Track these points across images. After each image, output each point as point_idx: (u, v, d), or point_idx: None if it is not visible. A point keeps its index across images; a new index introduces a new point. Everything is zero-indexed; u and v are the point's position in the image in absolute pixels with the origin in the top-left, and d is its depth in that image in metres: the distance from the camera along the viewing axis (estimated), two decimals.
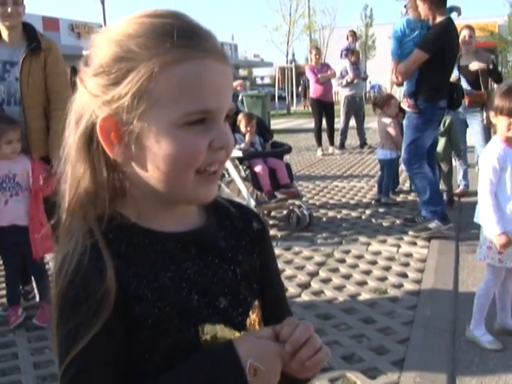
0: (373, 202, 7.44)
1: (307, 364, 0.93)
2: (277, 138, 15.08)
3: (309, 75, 12.20)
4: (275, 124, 19.57)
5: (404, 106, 5.90)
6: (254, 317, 1.06)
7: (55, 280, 0.94)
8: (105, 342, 0.90)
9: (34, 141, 3.93)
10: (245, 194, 5.95)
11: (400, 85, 6.06)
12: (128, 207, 0.99)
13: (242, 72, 56.37)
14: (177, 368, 0.92)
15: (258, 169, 5.99)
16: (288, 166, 6.32)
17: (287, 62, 33.45)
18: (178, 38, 0.90)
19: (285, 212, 6.49)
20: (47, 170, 3.92)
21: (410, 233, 5.81)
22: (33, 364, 3.44)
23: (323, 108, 12.06)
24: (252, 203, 5.79)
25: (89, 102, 0.95)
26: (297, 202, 6.26)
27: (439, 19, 5.53)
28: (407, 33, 5.98)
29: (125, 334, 0.93)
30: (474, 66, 7.33)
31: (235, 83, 6.63)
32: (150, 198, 0.98)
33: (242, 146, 6.15)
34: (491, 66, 7.38)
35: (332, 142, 12.48)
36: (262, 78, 64.65)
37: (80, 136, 0.96)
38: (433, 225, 5.70)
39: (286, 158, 11.59)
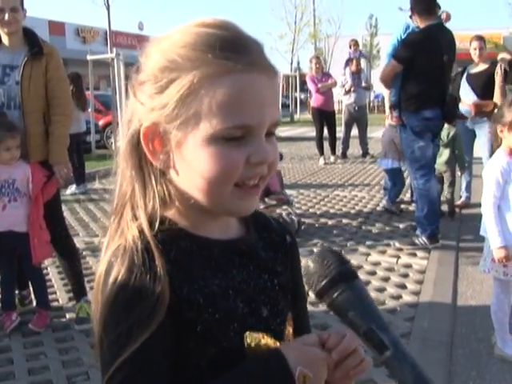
0: (381, 206, 7.45)
1: (351, 373, 0.95)
2: (280, 145, 15.12)
3: (309, 85, 12.16)
4: (278, 132, 19.43)
5: (388, 117, 5.91)
6: (289, 328, 1.08)
7: (103, 281, 0.93)
8: (157, 346, 0.89)
9: (33, 146, 3.92)
10: None
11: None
12: (175, 213, 0.99)
13: None
14: (226, 374, 0.92)
15: None
16: (279, 174, 6.38)
17: (291, 70, 33.47)
18: (221, 50, 0.89)
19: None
20: (46, 176, 3.92)
21: (396, 244, 5.80)
22: (27, 370, 3.43)
23: (324, 117, 12.05)
24: None
25: (136, 109, 0.97)
26: (286, 209, 6.33)
27: (423, 25, 5.46)
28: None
29: (174, 339, 0.92)
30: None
31: None
32: (194, 205, 0.97)
33: None
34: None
35: (334, 151, 12.46)
36: None
37: (128, 141, 0.98)
38: (419, 240, 5.69)
39: (288, 166, 11.69)
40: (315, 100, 12.09)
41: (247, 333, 0.97)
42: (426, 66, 5.39)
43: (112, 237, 1.00)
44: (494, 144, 7.12)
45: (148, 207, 0.97)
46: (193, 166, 0.92)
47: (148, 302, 0.88)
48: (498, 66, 7.05)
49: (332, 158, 12.39)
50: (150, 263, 0.91)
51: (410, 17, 6.16)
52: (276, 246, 1.11)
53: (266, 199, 6.07)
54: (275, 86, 0.95)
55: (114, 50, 11.91)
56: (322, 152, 12.18)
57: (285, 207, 6.36)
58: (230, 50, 0.89)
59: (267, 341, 1.00)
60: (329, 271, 0.91)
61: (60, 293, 4.63)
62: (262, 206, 6.03)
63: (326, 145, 12.29)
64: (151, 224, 0.96)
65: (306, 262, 0.94)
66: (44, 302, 4.07)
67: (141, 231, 0.95)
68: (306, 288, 0.98)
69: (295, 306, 1.12)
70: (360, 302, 0.90)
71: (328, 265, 0.92)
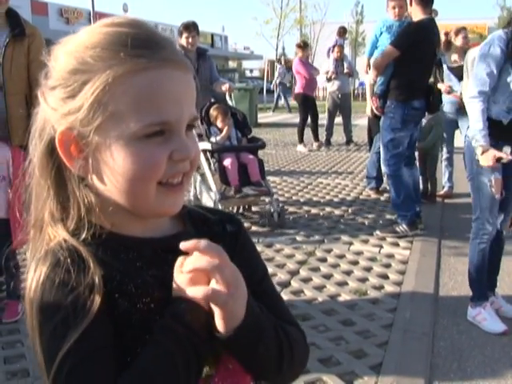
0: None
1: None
2: (263, 131, 15.06)
3: (300, 68, 12.10)
4: (262, 118, 19.50)
5: (372, 106, 5.93)
6: None
7: (32, 288, 0.90)
8: (99, 334, 0.87)
9: (15, 128, 3.82)
10: (212, 187, 5.91)
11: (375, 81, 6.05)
12: (100, 217, 0.95)
13: (232, 64, 56.09)
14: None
15: (226, 163, 5.91)
16: (261, 162, 6.21)
17: (276, 55, 33.32)
18: (133, 48, 0.88)
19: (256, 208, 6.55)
20: (25, 159, 3.81)
21: (377, 232, 5.80)
22: (3, 359, 3.35)
23: (311, 103, 12.08)
24: (217, 197, 5.79)
25: (48, 115, 0.94)
26: (267, 200, 6.20)
27: (420, 18, 5.50)
28: (383, 32, 6.21)
29: (113, 332, 0.89)
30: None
31: (223, 87, 6.52)
32: (117, 209, 0.95)
33: (218, 138, 6.07)
34: None
35: (317, 138, 12.45)
36: (251, 71, 64.46)
37: (42, 151, 0.96)
38: (400, 228, 5.69)
39: (272, 152, 11.64)
40: (305, 85, 12.03)
41: None
42: (419, 57, 5.45)
43: (38, 249, 0.97)
44: None
45: (69, 216, 0.95)
46: (114, 169, 0.90)
47: (80, 289, 0.86)
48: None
49: (315, 145, 12.36)
50: (76, 256, 0.90)
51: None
52: (218, 237, 1.05)
53: (244, 189, 5.97)
54: (190, 81, 0.94)
55: None
56: (302, 139, 12.20)
57: (264, 198, 6.24)
58: (141, 47, 0.89)
59: None
60: None
61: None
62: (238, 196, 5.95)
63: (308, 131, 12.30)
64: (78, 231, 0.94)
65: None
66: (12, 292, 3.93)
67: (64, 239, 0.93)
68: None
69: (259, 286, 1.05)
70: None
71: None
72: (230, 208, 6.38)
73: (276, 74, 24.28)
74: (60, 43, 0.94)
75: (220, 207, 5.63)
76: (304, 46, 12.60)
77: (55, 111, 0.92)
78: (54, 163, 0.95)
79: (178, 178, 0.94)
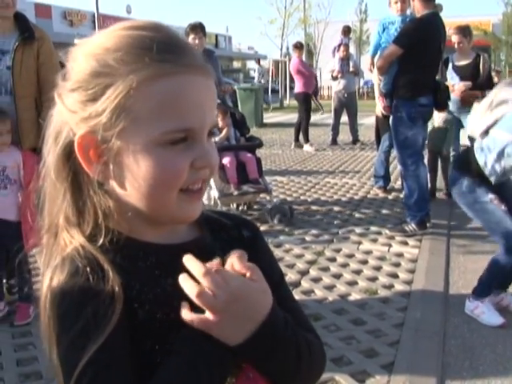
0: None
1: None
2: (269, 131, 15.05)
3: (300, 67, 12.16)
4: (268, 117, 19.48)
5: (380, 105, 5.93)
6: None
7: (48, 297, 0.89)
8: (119, 344, 0.85)
9: (25, 132, 3.85)
10: (212, 185, 6.00)
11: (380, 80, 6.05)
12: (118, 223, 0.94)
13: (236, 64, 56.06)
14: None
15: (225, 161, 6.03)
16: (259, 161, 6.34)
17: (281, 55, 33.30)
18: (158, 52, 0.86)
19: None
20: (38, 163, 3.83)
21: (386, 231, 5.81)
22: (16, 361, 3.36)
23: (310, 102, 12.23)
24: (216, 194, 5.91)
25: (66, 118, 0.91)
26: (267, 198, 6.34)
27: (423, 13, 5.48)
28: (386, 29, 6.22)
29: (132, 342, 0.87)
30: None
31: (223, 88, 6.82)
32: (136, 215, 0.93)
33: (217, 139, 6.21)
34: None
35: (297, 138, 12.67)
36: (256, 71, 64.53)
37: (59, 154, 0.93)
38: (409, 227, 5.70)
39: (278, 152, 11.64)
40: (305, 84, 12.09)
41: None
42: (424, 53, 5.41)
43: (52, 255, 0.96)
44: None
45: (88, 220, 0.93)
46: (135, 175, 0.88)
47: (100, 299, 0.84)
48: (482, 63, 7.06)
49: (293, 145, 12.62)
50: (95, 264, 0.88)
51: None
52: (236, 242, 1.03)
53: (244, 187, 6.09)
54: (212, 86, 0.92)
55: None
56: (308, 139, 12.24)
57: (263, 196, 6.44)
58: (166, 52, 0.87)
59: None
60: None
61: None
62: (236, 193, 6.03)
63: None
64: (95, 237, 0.92)
65: None
66: (24, 295, 3.94)
67: (81, 245, 0.91)
68: None
69: (277, 291, 0.99)
70: None
71: None
72: (231, 205, 6.61)
73: (256, 75, 24.70)
74: (77, 45, 0.92)
75: (219, 204, 5.82)
76: (300, 46, 12.79)
77: (74, 114, 0.89)
78: (70, 167, 0.93)
79: (198, 185, 0.93)
